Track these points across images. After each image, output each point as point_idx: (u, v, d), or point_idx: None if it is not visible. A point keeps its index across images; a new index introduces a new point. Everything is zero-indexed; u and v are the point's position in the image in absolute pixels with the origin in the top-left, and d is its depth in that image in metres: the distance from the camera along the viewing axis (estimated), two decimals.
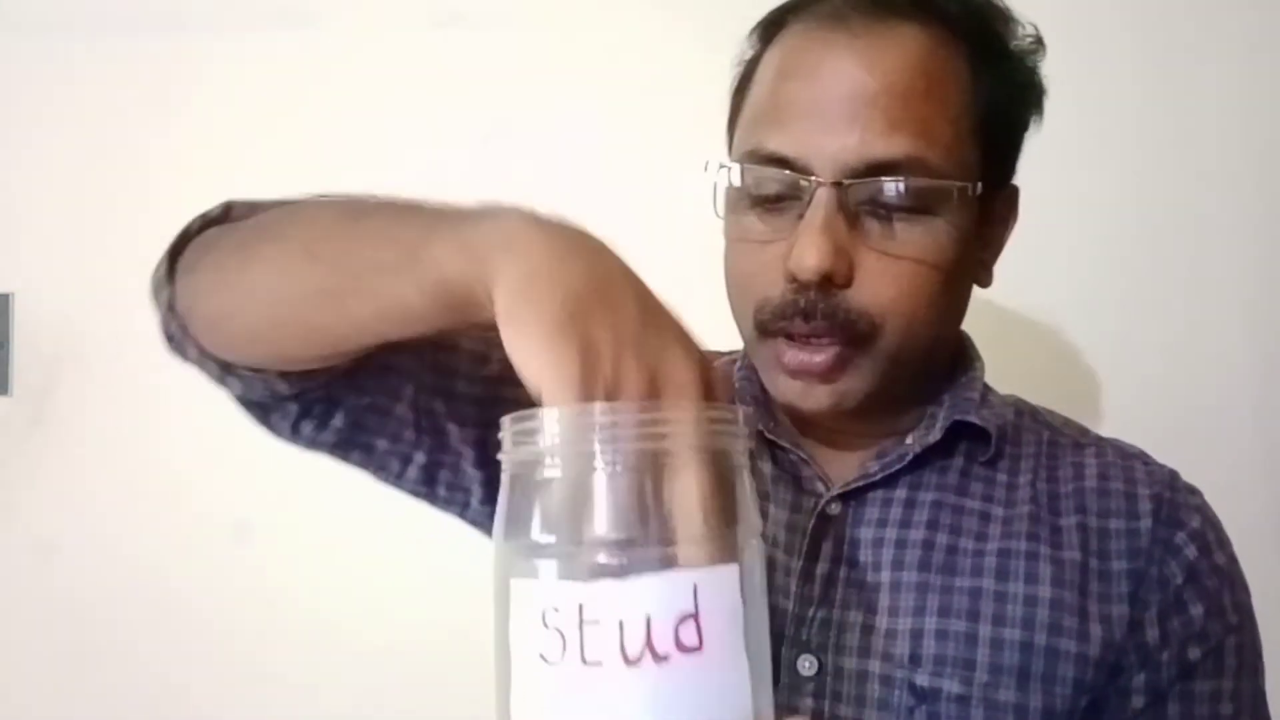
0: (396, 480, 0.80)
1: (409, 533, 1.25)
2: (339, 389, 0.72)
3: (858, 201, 0.71)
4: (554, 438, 0.46)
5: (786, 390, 0.75)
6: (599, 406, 0.45)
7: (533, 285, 0.49)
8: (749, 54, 0.80)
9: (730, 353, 0.89)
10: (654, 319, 0.51)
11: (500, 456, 0.49)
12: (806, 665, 0.73)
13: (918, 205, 0.71)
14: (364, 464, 0.78)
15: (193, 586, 1.31)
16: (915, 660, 0.72)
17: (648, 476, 0.45)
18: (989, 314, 1.15)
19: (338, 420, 0.74)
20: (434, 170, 1.27)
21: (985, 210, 0.76)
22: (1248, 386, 1.16)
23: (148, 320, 1.34)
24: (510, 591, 0.46)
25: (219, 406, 1.32)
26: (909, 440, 0.78)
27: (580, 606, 0.42)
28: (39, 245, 1.35)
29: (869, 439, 0.80)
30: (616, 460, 0.45)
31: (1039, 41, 0.79)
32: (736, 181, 0.75)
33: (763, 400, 0.81)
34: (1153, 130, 1.18)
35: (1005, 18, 0.77)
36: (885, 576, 0.74)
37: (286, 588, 1.30)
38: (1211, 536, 0.76)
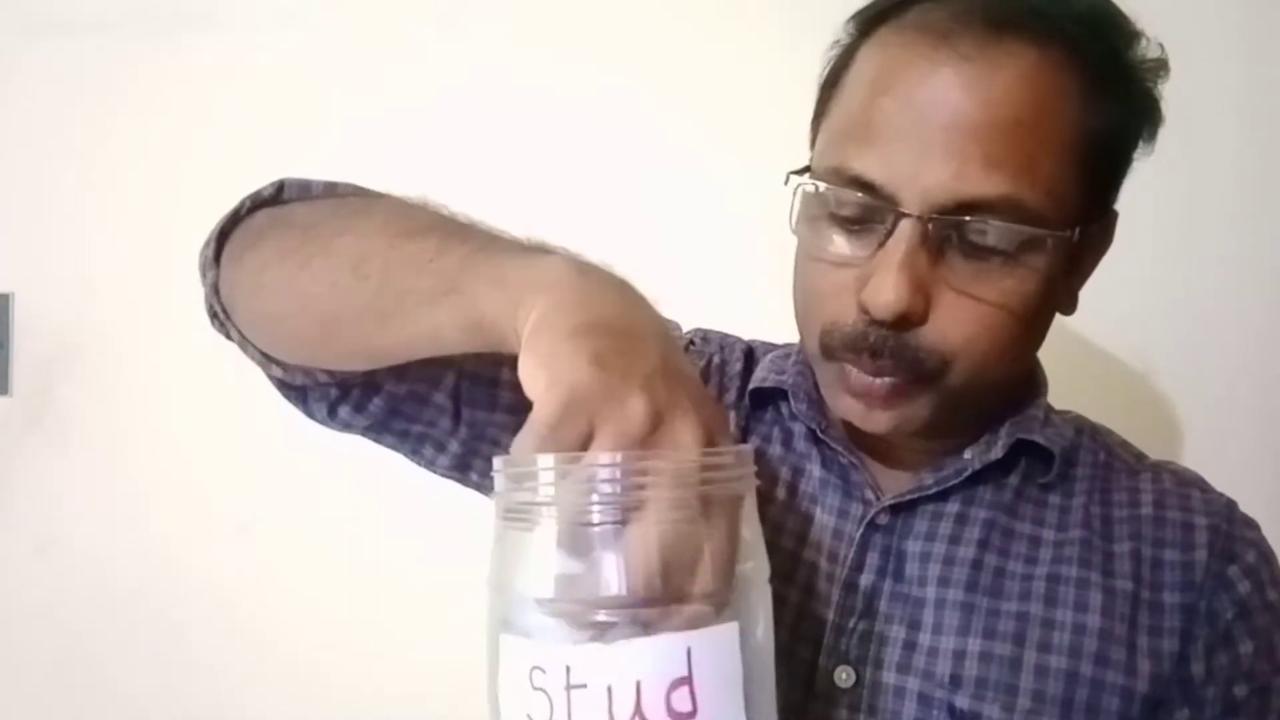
0: (430, 465, 0.78)
1: (409, 533, 1.24)
2: (381, 375, 0.70)
3: (943, 238, 0.65)
4: (545, 486, 0.43)
5: (847, 409, 0.71)
6: (591, 455, 0.42)
7: (556, 313, 0.48)
8: (844, 41, 0.73)
9: (784, 345, 0.85)
10: (673, 372, 0.48)
11: (493, 498, 0.46)
12: (844, 676, 0.70)
13: (1008, 249, 0.65)
14: (397, 447, 0.77)
15: (192, 585, 1.30)
16: (956, 681, 0.68)
17: (651, 529, 0.42)
18: None
19: (375, 405, 0.72)
20: (436, 170, 1.25)
21: (1076, 247, 0.70)
22: (1248, 386, 1.14)
23: (148, 320, 1.35)
24: (500, 646, 0.43)
25: (219, 407, 1.33)
26: (967, 455, 0.73)
27: (567, 669, 0.39)
28: (39, 245, 1.33)
29: (925, 454, 0.75)
30: (607, 513, 0.42)
31: (1163, 62, 0.71)
32: (814, 201, 0.70)
33: (816, 398, 0.77)
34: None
35: (1131, 34, 0.69)
36: (931, 593, 0.71)
37: (286, 588, 1.28)
38: (1266, 574, 0.72)
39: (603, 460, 0.42)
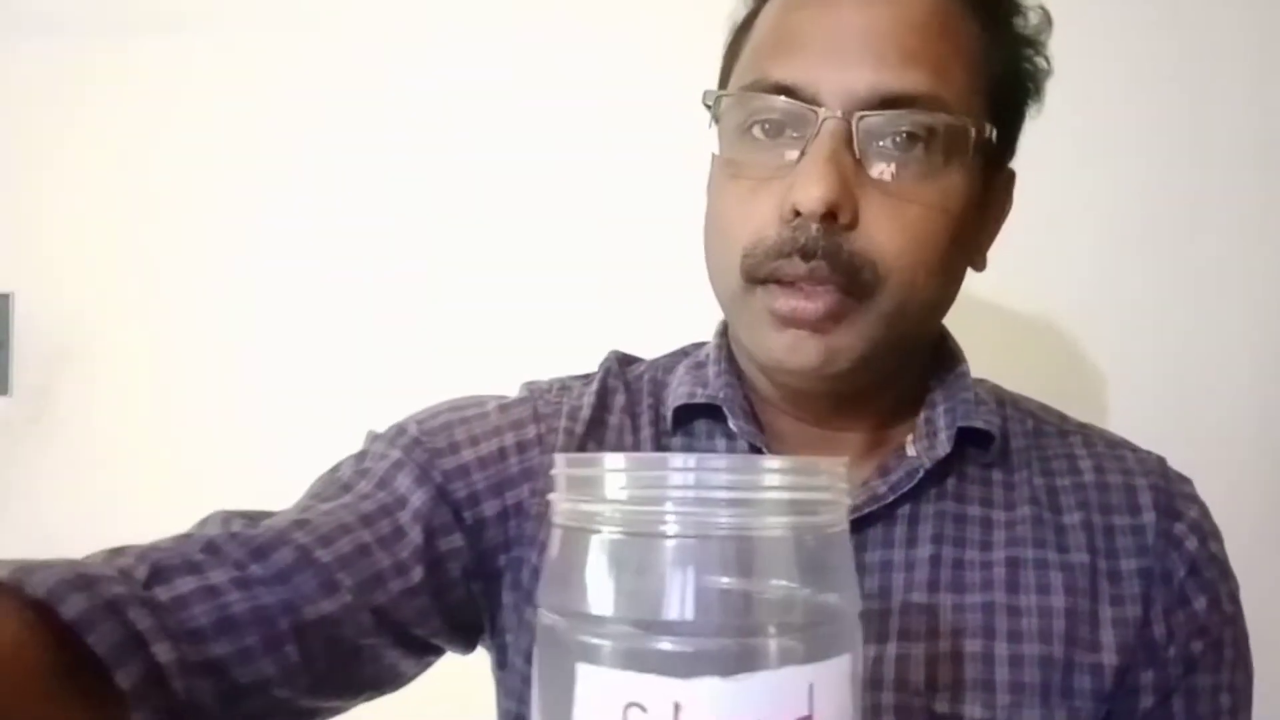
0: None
1: None
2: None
3: (867, 138, 0.63)
4: (619, 491, 0.38)
5: (774, 346, 0.66)
6: (676, 458, 0.38)
7: None
8: (747, 8, 0.74)
9: (668, 358, 0.81)
10: None
11: (551, 499, 0.41)
12: None
13: (930, 146, 0.64)
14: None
15: None
16: (932, 687, 0.65)
17: (734, 545, 0.37)
18: (995, 316, 1.14)
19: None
20: (437, 169, 1.25)
21: (985, 187, 0.70)
22: (1249, 386, 1.14)
23: (148, 320, 1.33)
24: (576, 677, 0.37)
25: (219, 407, 1.32)
26: (911, 452, 0.71)
27: (676, 706, 0.35)
28: (39, 245, 1.30)
29: (866, 448, 0.73)
30: (696, 524, 0.37)
31: (1047, 20, 0.73)
32: (732, 118, 0.67)
33: (749, 410, 0.73)
34: (1151, 126, 1.15)
35: None
36: (896, 601, 0.67)
37: None
38: (1207, 526, 0.72)
39: (690, 459, 0.38)
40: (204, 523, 0.65)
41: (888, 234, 0.64)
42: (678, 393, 0.75)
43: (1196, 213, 1.15)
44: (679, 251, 1.17)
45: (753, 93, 0.66)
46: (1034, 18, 0.73)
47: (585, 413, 0.75)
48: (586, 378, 0.80)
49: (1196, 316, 1.14)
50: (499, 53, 1.24)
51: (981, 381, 0.78)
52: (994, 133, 0.67)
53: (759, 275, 0.65)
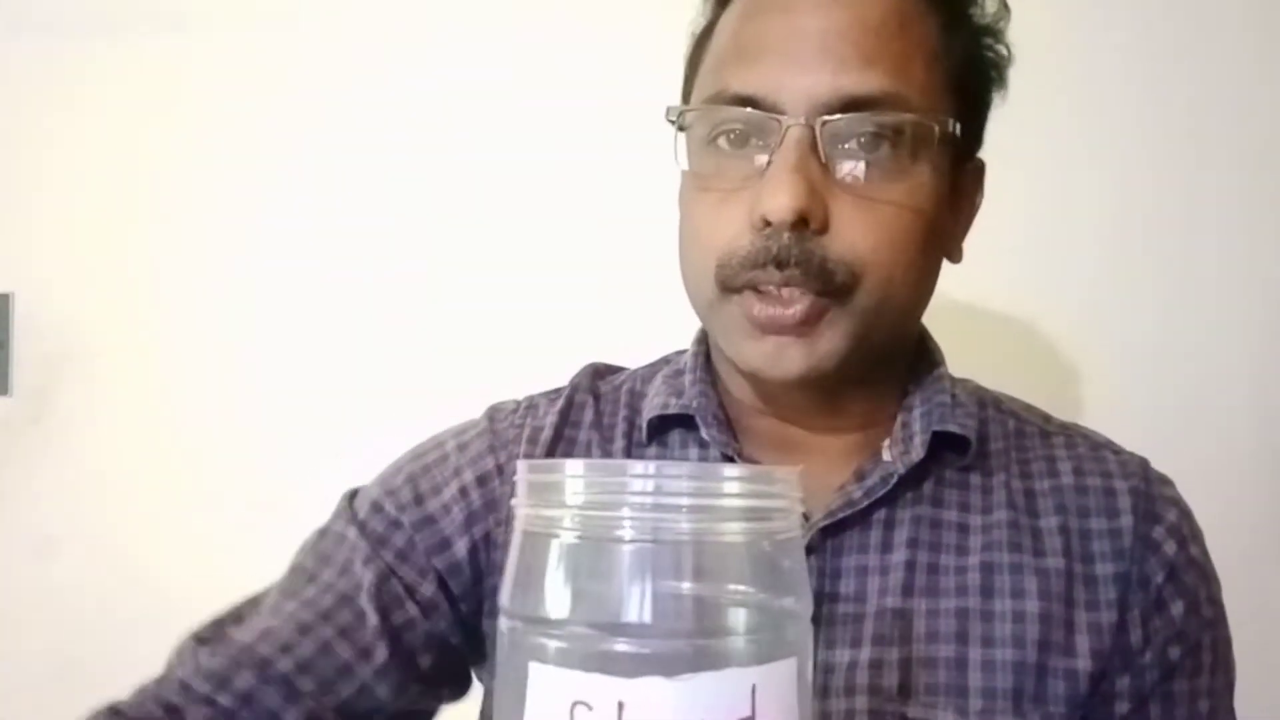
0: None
1: None
2: None
3: (832, 142, 0.63)
4: (578, 495, 0.39)
5: (754, 354, 0.66)
6: (634, 465, 0.39)
7: None
8: (705, 20, 0.74)
9: (648, 368, 0.81)
10: None
11: (514, 504, 0.42)
12: None
13: (896, 146, 0.64)
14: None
15: (192, 586, 1.28)
16: (905, 692, 0.65)
17: (689, 550, 0.38)
18: (986, 317, 1.13)
19: None
20: (437, 169, 1.25)
21: (955, 180, 0.70)
22: (1248, 386, 1.14)
23: (148, 320, 1.33)
24: (529, 676, 0.38)
25: (219, 407, 1.32)
26: (886, 456, 0.70)
27: (620, 705, 0.35)
28: (39, 245, 1.31)
29: (840, 451, 0.72)
30: (651, 529, 0.37)
31: (1005, 7, 0.73)
32: (698, 131, 0.68)
33: (723, 418, 0.73)
34: (1150, 127, 1.14)
35: None
36: (871, 607, 0.67)
37: None
38: (1187, 530, 0.71)
39: (647, 466, 0.39)
40: (178, 654, 0.71)
41: (860, 234, 0.64)
42: (653, 403, 0.75)
43: (1196, 213, 1.14)
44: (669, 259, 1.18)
45: (716, 105, 0.66)
46: (991, 6, 0.73)
47: (547, 433, 0.76)
48: (557, 391, 0.80)
49: (1196, 317, 1.14)
50: (499, 52, 1.24)
51: (964, 382, 0.78)
52: (958, 126, 0.67)
53: (735, 285, 0.65)
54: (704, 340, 0.78)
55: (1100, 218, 1.15)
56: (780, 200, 0.61)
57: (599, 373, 0.82)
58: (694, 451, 0.74)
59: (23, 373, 1.31)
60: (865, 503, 0.69)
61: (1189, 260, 1.14)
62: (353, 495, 0.77)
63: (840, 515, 0.68)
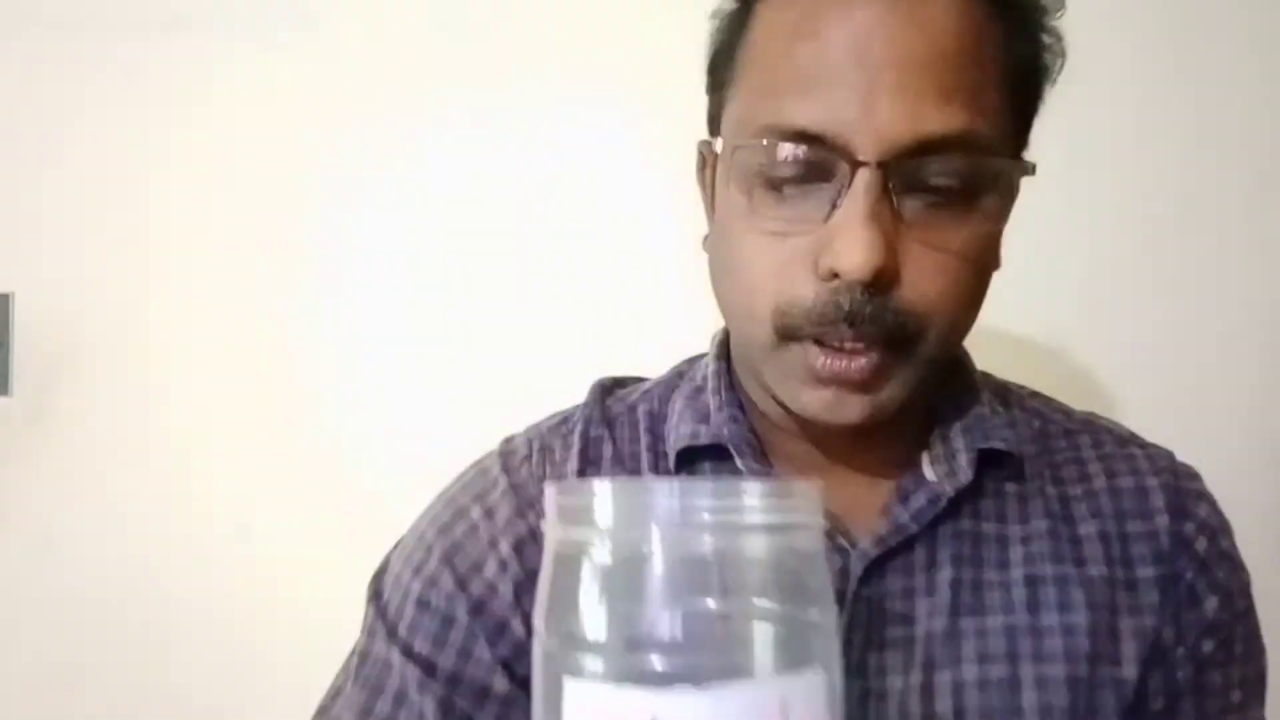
0: None
1: None
2: None
3: (905, 186, 0.59)
4: (607, 517, 0.40)
5: (813, 401, 0.62)
6: (660, 484, 0.40)
7: None
8: (730, 8, 0.67)
9: (675, 372, 0.78)
10: None
11: (544, 528, 0.43)
12: None
13: (967, 189, 0.60)
14: None
15: (192, 586, 1.27)
16: (960, 715, 0.63)
17: (716, 566, 0.39)
18: (985, 316, 1.14)
19: None
20: (441, 169, 1.25)
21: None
22: (1249, 386, 1.15)
23: (148, 320, 1.33)
24: (563, 691, 0.39)
25: (219, 407, 1.32)
26: (930, 475, 0.67)
27: (654, 718, 0.36)
28: (39, 245, 1.30)
29: (875, 465, 0.69)
30: (679, 547, 0.39)
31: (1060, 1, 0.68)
32: (748, 159, 0.61)
33: (756, 445, 0.70)
34: (1150, 127, 1.16)
35: None
36: (920, 629, 0.65)
37: (286, 588, 1.26)
38: (1216, 523, 0.71)
39: (673, 486, 0.40)
40: None
41: (929, 283, 0.60)
42: (679, 432, 0.71)
43: (1196, 213, 1.15)
44: (678, 254, 1.19)
45: (775, 139, 0.60)
46: (1052, 4, 0.68)
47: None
48: (567, 424, 0.76)
49: (1196, 316, 1.15)
50: (500, 51, 1.24)
51: (987, 377, 0.76)
52: (1034, 168, 0.64)
53: (797, 335, 0.61)
54: (724, 355, 0.75)
55: (1099, 218, 1.16)
56: (855, 256, 0.57)
57: (607, 389, 0.79)
58: None
59: (23, 373, 1.30)
60: (915, 528, 0.66)
61: (1189, 260, 1.15)
62: (379, 593, 0.73)
63: (892, 543, 0.66)
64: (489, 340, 1.23)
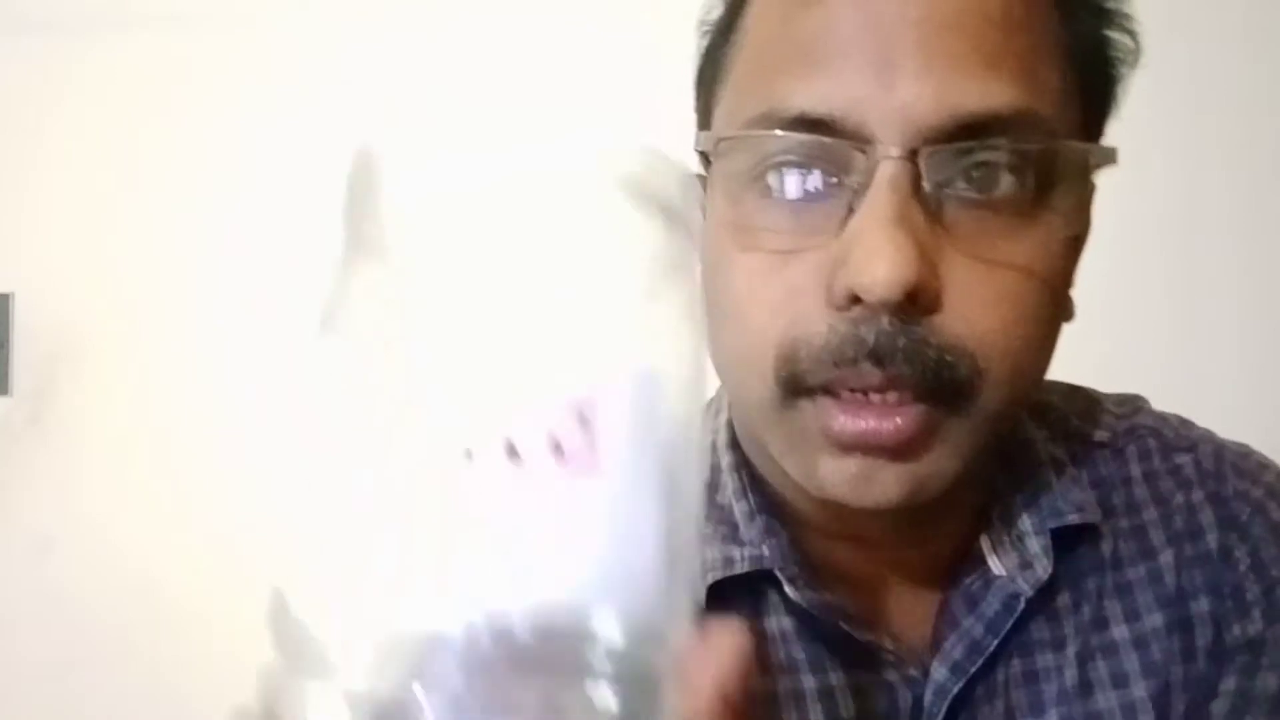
0: None
1: None
2: None
3: (939, 182, 0.43)
4: None
5: (833, 477, 0.46)
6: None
7: None
8: (723, 3, 0.52)
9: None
10: None
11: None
12: None
13: (1024, 181, 0.44)
14: None
15: (191, 586, 1.28)
16: None
17: None
18: None
19: None
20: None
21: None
22: (1249, 387, 1.15)
23: (147, 320, 1.33)
24: None
25: (219, 406, 1.32)
26: (997, 570, 0.52)
27: None
28: (39, 245, 1.31)
29: (929, 560, 0.54)
30: None
31: None
32: (736, 164, 0.46)
33: (809, 564, 0.52)
34: (1149, 127, 1.16)
35: None
36: None
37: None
38: (1257, 530, 0.57)
39: None
40: None
41: (981, 310, 0.44)
42: (705, 558, 0.53)
43: (1196, 213, 1.16)
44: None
45: (767, 130, 0.45)
46: None
47: None
48: None
49: (1196, 316, 1.15)
50: (500, 52, 1.24)
51: (1048, 405, 0.63)
52: (1115, 154, 0.50)
53: (807, 387, 0.45)
54: (736, 444, 0.56)
55: (1099, 218, 1.16)
56: (880, 270, 0.41)
57: None
58: (786, 621, 0.53)
59: (23, 373, 1.31)
60: (993, 643, 0.51)
61: (1189, 260, 1.15)
62: None
63: (970, 669, 0.52)
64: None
